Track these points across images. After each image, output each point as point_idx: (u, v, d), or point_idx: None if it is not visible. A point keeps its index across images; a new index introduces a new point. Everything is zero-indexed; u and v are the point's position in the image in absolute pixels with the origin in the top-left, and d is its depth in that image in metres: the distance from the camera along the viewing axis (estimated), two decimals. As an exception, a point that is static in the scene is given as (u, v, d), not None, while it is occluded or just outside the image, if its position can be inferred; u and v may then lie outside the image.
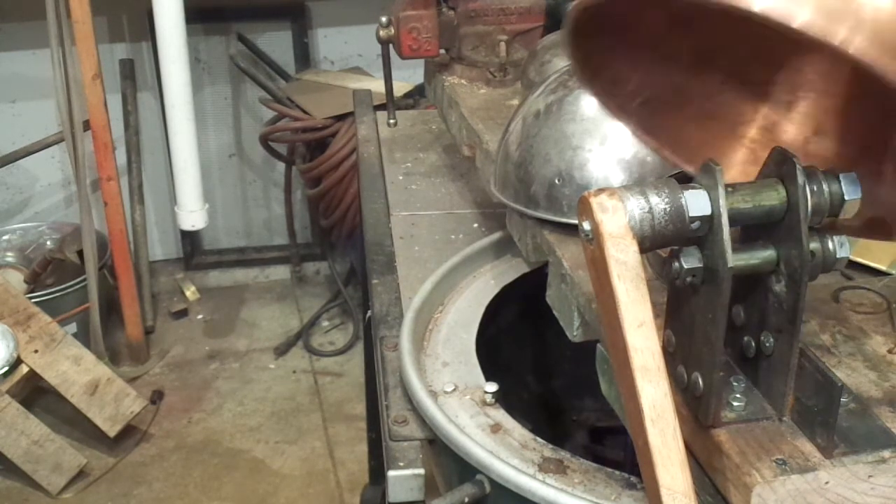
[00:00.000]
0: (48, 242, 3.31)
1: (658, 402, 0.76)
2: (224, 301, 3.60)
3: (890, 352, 0.95)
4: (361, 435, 2.47)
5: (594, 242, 0.78)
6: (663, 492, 0.80)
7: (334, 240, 3.37)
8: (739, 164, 0.93)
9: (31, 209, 3.50)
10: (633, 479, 0.85)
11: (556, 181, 1.12)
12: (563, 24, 0.87)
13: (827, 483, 0.82)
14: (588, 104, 1.13)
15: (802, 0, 0.64)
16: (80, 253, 3.05)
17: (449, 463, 0.93)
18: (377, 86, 2.27)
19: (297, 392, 3.10)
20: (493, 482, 0.87)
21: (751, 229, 0.83)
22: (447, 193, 1.57)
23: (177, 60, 2.81)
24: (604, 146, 1.11)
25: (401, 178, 1.63)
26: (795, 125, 0.91)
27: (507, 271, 1.26)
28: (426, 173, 1.65)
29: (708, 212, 0.77)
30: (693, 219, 0.77)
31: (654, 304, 0.78)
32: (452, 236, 1.42)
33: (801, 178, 0.79)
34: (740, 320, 0.86)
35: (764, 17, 0.64)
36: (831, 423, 0.82)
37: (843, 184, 0.81)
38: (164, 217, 3.57)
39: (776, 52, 0.86)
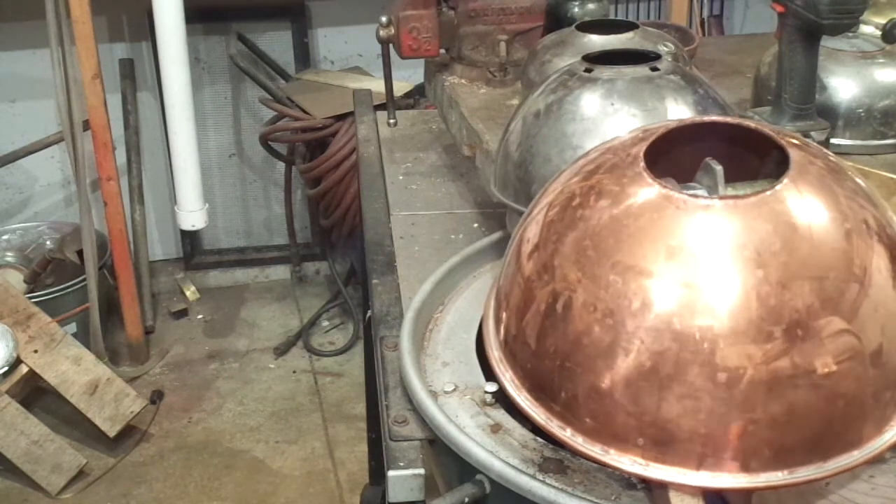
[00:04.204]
0: (48, 242, 3.31)
1: None
2: (224, 301, 3.60)
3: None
4: (361, 435, 2.47)
5: None
6: (671, 492, 0.80)
7: (334, 240, 3.37)
8: None
9: (31, 209, 3.50)
10: (633, 479, 0.85)
11: (557, 181, 1.12)
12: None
13: (827, 483, 0.82)
14: (588, 104, 1.13)
15: None
16: (80, 253, 3.05)
17: (449, 463, 0.93)
18: (377, 86, 2.27)
19: (297, 392, 3.10)
20: (493, 482, 0.87)
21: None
22: (447, 193, 1.57)
23: (177, 60, 2.81)
24: (604, 146, 1.11)
25: (401, 178, 1.63)
26: None
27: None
28: (426, 173, 1.65)
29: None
30: None
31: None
32: (452, 236, 1.42)
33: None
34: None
35: None
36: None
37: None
38: (164, 217, 3.57)
39: None
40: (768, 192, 0.79)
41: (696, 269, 0.78)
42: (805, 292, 0.76)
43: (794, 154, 0.83)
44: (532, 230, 0.90)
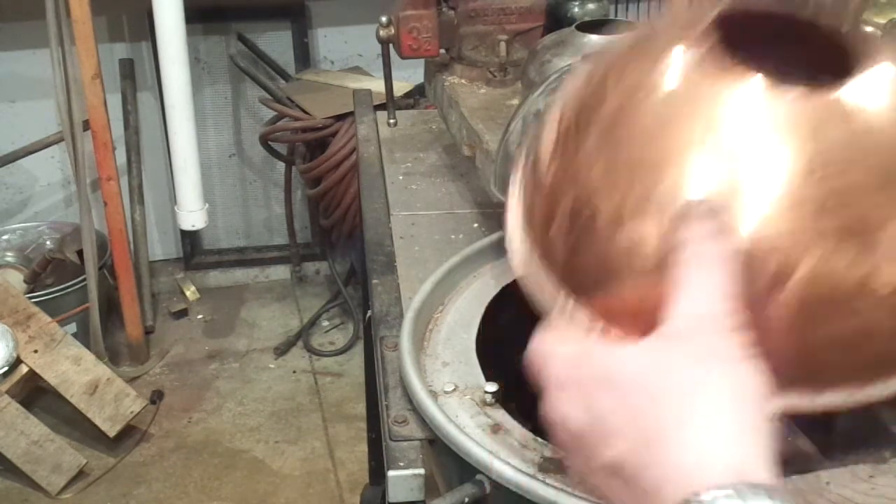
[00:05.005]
0: (48, 242, 3.31)
1: None
2: (224, 301, 3.60)
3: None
4: (361, 435, 2.47)
5: None
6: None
7: (334, 240, 3.37)
8: None
9: (31, 209, 3.50)
10: (633, 479, 0.85)
11: (557, 181, 1.12)
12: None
13: (827, 483, 0.82)
14: (588, 104, 1.12)
15: None
16: (80, 253, 3.05)
17: (449, 463, 0.93)
18: (377, 86, 2.27)
19: (297, 392, 3.10)
20: (493, 482, 0.87)
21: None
22: (447, 193, 1.57)
23: (177, 60, 2.81)
24: (604, 146, 1.11)
25: (401, 178, 1.63)
26: None
27: (507, 271, 1.26)
28: (426, 173, 1.65)
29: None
30: None
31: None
32: (452, 236, 1.41)
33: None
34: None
35: None
36: (831, 423, 0.82)
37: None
38: (164, 217, 3.57)
39: None
40: (836, 90, 0.71)
41: (742, 159, 0.70)
42: (871, 193, 0.69)
43: (864, 50, 0.75)
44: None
